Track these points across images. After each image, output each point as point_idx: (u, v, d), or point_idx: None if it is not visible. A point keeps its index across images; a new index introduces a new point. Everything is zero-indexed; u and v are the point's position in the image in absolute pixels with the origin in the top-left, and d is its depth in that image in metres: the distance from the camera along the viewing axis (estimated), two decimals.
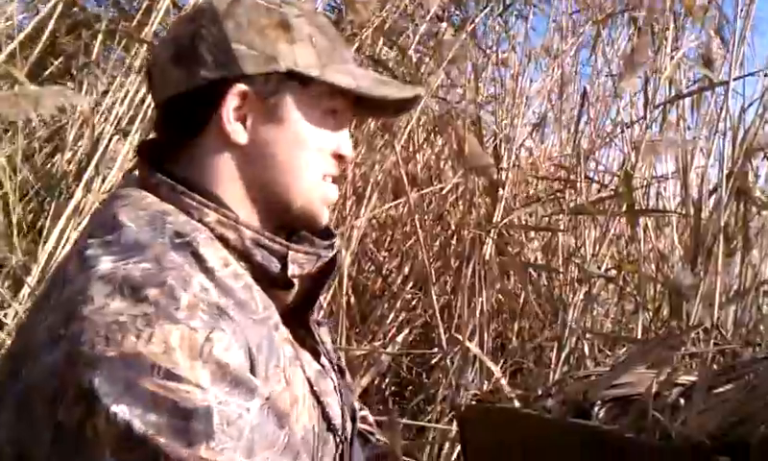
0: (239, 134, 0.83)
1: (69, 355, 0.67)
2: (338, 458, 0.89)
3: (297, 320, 0.89)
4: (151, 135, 0.97)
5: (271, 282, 0.83)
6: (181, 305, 0.70)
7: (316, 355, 0.91)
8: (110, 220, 0.79)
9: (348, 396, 0.97)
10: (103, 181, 2.06)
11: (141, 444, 0.64)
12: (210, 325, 0.70)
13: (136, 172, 0.89)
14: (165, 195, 0.82)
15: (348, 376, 1.13)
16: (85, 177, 2.04)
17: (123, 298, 0.70)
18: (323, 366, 0.91)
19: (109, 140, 2.08)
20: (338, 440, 0.89)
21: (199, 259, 0.76)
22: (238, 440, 0.67)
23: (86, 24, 2.42)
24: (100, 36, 2.32)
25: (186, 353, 0.67)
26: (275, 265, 0.83)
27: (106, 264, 0.73)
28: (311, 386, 0.86)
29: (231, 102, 0.82)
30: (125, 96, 2.14)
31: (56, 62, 2.55)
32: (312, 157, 0.87)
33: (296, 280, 0.86)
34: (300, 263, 0.85)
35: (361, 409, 1.13)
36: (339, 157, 0.90)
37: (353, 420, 0.96)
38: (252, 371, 0.74)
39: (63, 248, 1.95)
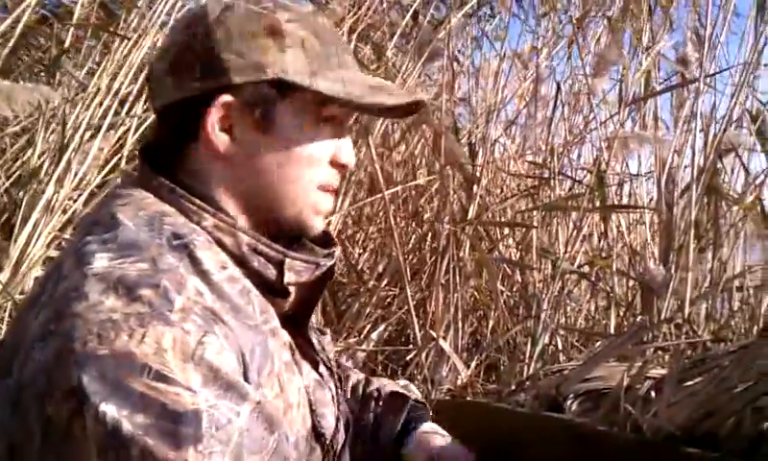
0: (224, 145, 0.83)
1: (60, 352, 0.67)
2: None
3: (295, 328, 0.88)
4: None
5: (267, 289, 0.83)
6: (175, 308, 0.70)
7: (314, 364, 0.91)
8: (108, 218, 0.79)
9: (344, 406, 0.97)
10: (75, 176, 2.04)
11: (128, 444, 0.64)
12: (203, 328, 0.70)
13: (135, 172, 0.89)
14: (165, 197, 0.82)
15: (353, 383, 1.14)
16: (57, 172, 2.01)
17: (117, 296, 0.70)
18: (321, 375, 0.91)
19: (82, 135, 2.06)
20: (326, 450, 0.88)
21: (195, 262, 0.76)
22: (227, 444, 0.66)
23: (60, 17, 2.39)
24: (71, 30, 2.29)
25: (178, 356, 0.67)
26: (271, 272, 0.83)
27: (101, 262, 0.73)
28: (307, 395, 0.86)
29: (216, 113, 0.82)
30: (97, 91, 2.11)
31: (27, 58, 2.52)
32: (304, 168, 0.85)
33: (292, 288, 0.86)
34: (297, 271, 0.85)
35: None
36: (339, 166, 0.88)
37: (347, 430, 0.95)
38: (245, 376, 0.74)
39: (35, 244, 1.93)
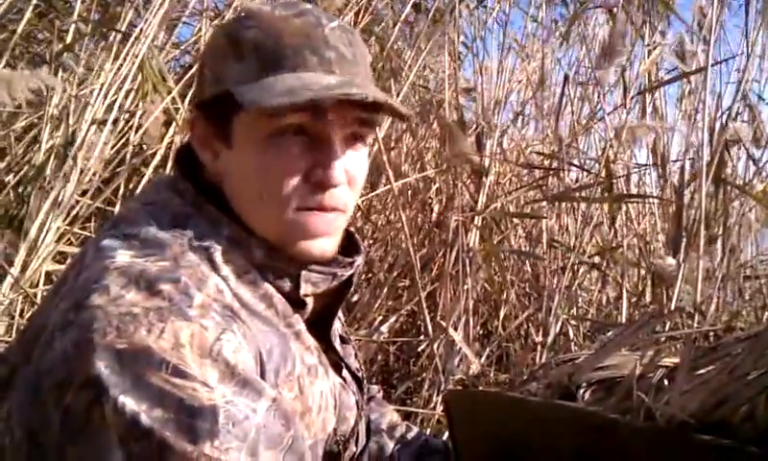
0: (210, 161, 0.84)
1: (79, 342, 0.68)
2: None
3: (318, 334, 0.88)
4: None
5: (285, 298, 0.83)
6: (195, 304, 0.71)
7: (337, 369, 0.91)
8: (133, 215, 0.81)
9: (366, 412, 0.97)
10: (81, 172, 2.04)
11: (147, 435, 0.64)
12: (222, 325, 0.71)
13: (167, 173, 0.91)
14: (190, 201, 0.82)
15: (374, 390, 1.14)
16: (65, 168, 2.02)
17: (138, 290, 0.70)
18: (344, 380, 0.92)
19: (87, 131, 2.06)
20: (348, 454, 0.89)
21: (215, 266, 0.77)
22: (243, 440, 0.67)
23: (61, 11, 2.40)
24: (73, 26, 2.29)
25: (196, 351, 0.67)
26: (286, 285, 0.83)
27: (123, 257, 0.74)
28: (334, 398, 0.86)
29: (191, 129, 0.84)
30: (101, 86, 2.11)
31: (28, 54, 2.53)
32: (265, 185, 0.79)
33: (309, 299, 0.85)
34: (313, 282, 0.84)
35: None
36: (314, 185, 0.80)
37: (367, 436, 0.96)
38: (262, 376, 0.74)
39: (44, 240, 1.94)
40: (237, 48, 0.80)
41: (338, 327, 0.96)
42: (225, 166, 0.83)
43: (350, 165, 0.82)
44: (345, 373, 0.93)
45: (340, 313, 0.96)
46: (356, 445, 0.91)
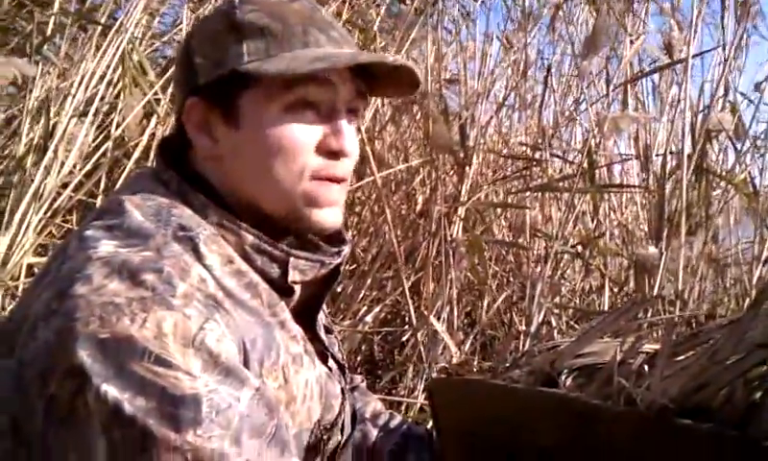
0: (208, 147, 0.84)
1: (61, 331, 0.68)
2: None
3: (303, 323, 0.88)
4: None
5: (273, 286, 0.83)
6: (178, 293, 0.71)
7: (323, 358, 0.91)
8: (116, 206, 0.80)
9: (350, 400, 0.97)
10: (62, 164, 2.03)
11: (130, 424, 0.64)
12: (205, 314, 0.71)
13: (151, 163, 0.91)
14: (174, 190, 0.83)
15: (357, 380, 1.15)
16: (45, 161, 2.00)
17: (121, 280, 0.70)
18: (330, 369, 0.92)
19: (68, 123, 2.05)
20: (333, 443, 0.89)
21: (199, 255, 0.77)
22: (226, 429, 0.67)
23: (41, 2, 2.37)
24: (53, 18, 2.27)
25: (179, 341, 0.68)
26: (275, 271, 0.83)
27: (107, 247, 0.74)
28: (319, 387, 0.86)
29: (188, 116, 0.83)
30: (82, 78, 2.09)
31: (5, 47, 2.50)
32: (284, 158, 0.82)
33: (296, 286, 0.86)
34: (301, 270, 0.85)
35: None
36: (329, 154, 0.83)
37: (352, 425, 0.96)
38: (245, 365, 0.74)
39: (25, 233, 1.93)
40: (237, 31, 0.81)
41: (322, 317, 0.96)
42: (227, 149, 0.83)
43: (352, 137, 0.86)
44: (330, 362, 0.93)
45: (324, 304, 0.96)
46: (341, 434, 0.91)
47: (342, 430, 0.91)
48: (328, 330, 1.00)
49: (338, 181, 0.85)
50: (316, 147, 0.83)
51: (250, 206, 0.84)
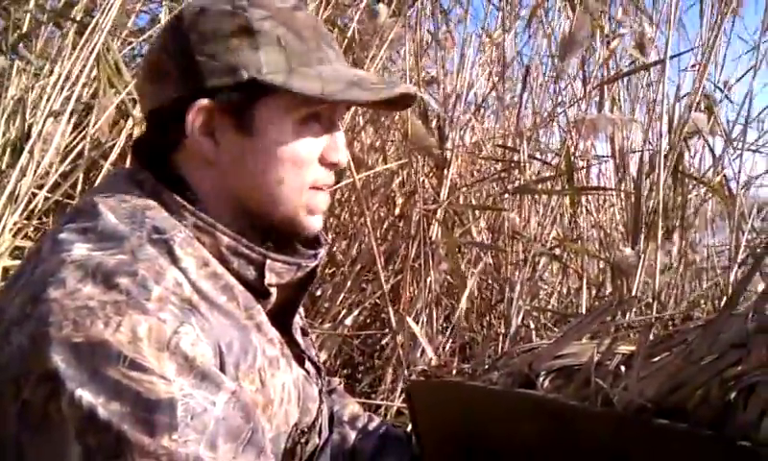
0: (208, 150, 0.82)
1: (35, 336, 0.67)
2: None
3: (280, 325, 0.88)
4: None
5: (249, 288, 0.83)
6: (152, 297, 0.70)
7: (300, 361, 0.91)
8: (90, 208, 0.79)
9: (328, 403, 0.98)
10: (38, 165, 2.00)
11: (105, 429, 0.64)
12: (180, 318, 0.70)
13: (126, 165, 0.89)
14: (150, 191, 0.81)
15: (334, 382, 1.14)
16: (21, 161, 1.98)
17: (95, 284, 0.70)
18: (307, 372, 0.92)
19: (44, 123, 2.02)
20: (310, 446, 0.89)
21: (174, 258, 0.76)
22: (202, 433, 0.67)
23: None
24: (28, 15, 2.24)
25: (153, 345, 0.67)
26: (251, 273, 0.83)
27: (80, 250, 0.73)
28: (297, 390, 0.86)
29: (195, 118, 0.81)
30: (59, 77, 2.07)
31: None
32: (291, 169, 0.83)
33: (273, 289, 0.85)
34: (277, 272, 0.85)
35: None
36: (329, 165, 0.87)
37: (330, 428, 0.96)
38: (221, 369, 0.74)
39: (1, 234, 1.90)
40: (251, 37, 0.80)
41: (298, 319, 0.96)
42: (230, 154, 0.83)
43: (345, 149, 0.89)
44: (307, 364, 0.93)
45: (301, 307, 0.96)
46: (319, 437, 0.91)
47: (319, 433, 0.91)
48: (304, 333, 1.00)
49: (329, 188, 0.89)
50: (319, 158, 0.86)
51: (238, 211, 0.84)
